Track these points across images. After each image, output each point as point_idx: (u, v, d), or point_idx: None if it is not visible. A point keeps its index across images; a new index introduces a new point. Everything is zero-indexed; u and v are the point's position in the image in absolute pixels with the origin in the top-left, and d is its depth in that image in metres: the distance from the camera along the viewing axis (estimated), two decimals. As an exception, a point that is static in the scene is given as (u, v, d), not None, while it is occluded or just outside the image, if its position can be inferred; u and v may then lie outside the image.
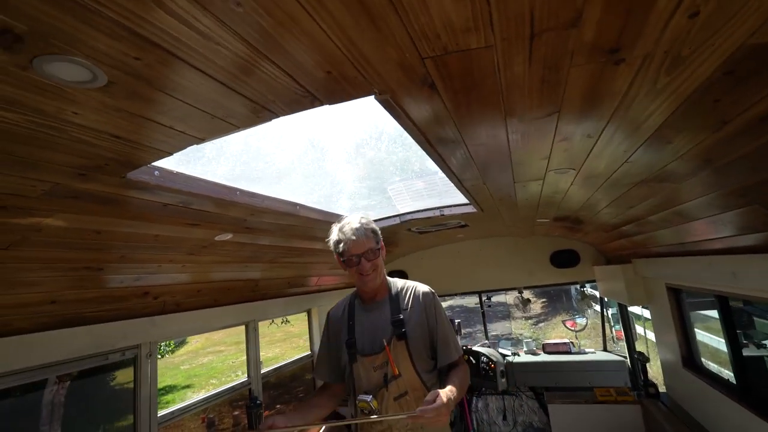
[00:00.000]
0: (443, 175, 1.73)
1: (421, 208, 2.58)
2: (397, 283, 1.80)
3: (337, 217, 2.37)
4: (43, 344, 1.70)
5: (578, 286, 4.64)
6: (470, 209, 2.49)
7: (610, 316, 5.11)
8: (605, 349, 4.35)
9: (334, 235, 1.72)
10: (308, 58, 0.63)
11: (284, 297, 3.33)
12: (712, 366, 3.54)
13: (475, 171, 1.42)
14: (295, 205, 1.86)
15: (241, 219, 1.72)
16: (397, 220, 2.70)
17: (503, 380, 4.16)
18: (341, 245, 1.67)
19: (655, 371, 5.45)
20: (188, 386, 10.38)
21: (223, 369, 12.13)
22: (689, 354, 2.48)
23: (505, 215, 2.65)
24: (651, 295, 2.92)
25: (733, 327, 2.00)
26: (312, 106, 0.81)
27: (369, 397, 1.56)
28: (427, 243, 4.27)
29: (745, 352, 2.07)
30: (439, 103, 0.84)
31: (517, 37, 0.59)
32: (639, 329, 7.39)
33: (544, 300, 15.24)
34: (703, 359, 2.49)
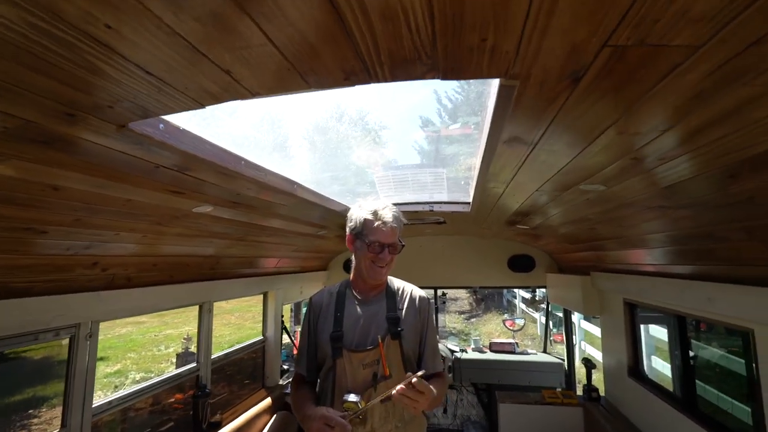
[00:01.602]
0: (427, 169, 1.64)
1: (411, 201, 2.47)
2: (395, 281, 1.72)
3: (328, 201, 2.19)
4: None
5: (526, 290, 4.87)
6: (462, 208, 2.44)
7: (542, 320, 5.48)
8: (545, 351, 4.64)
9: (364, 213, 1.56)
10: (481, 8, 0.48)
11: (242, 278, 3.06)
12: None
13: (510, 175, 1.34)
14: (293, 183, 1.65)
15: (234, 192, 1.48)
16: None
17: (450, 375, 4.26)
18: (374, 225, 1.52)
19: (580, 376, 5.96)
20: (101, 358, 9.40)
21: (144, 342, 11.17)
22: (635, 364, 2.69)
23: (490, 219, 2.64)
24: (604, 306, 3.12)
25: (687, 343, 2.18)
26: (423, 76, 0.65)
27: (358, 398, 1.44)
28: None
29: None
30: (559, 101, 0.73)
31: (737, 41, 0.50)
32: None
33: (475, 297, 16.02)
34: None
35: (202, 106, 0.75)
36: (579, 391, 3.43)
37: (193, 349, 8.89)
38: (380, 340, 1.50)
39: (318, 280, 4.56)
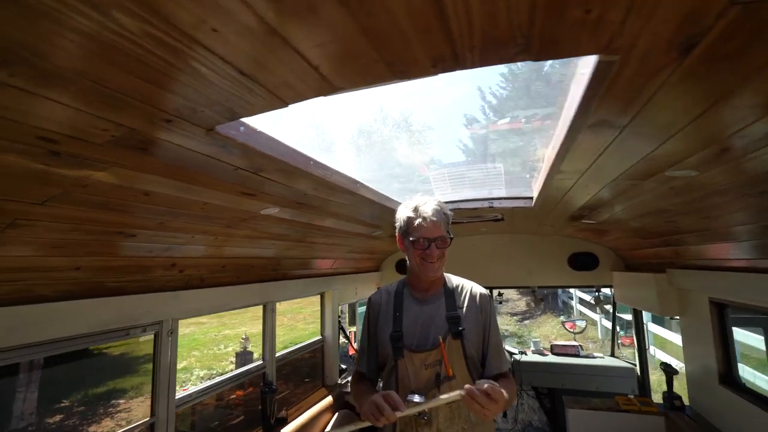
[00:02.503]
0: (490, 165, 1.57)
1: (469, 198, 2.41)
2: (452, 278, 1.68)
3: (387, 200, 2.20)
4: (63, 315, 1.50)
5: (583, 290, 4.58)
6: (523, 204, 2.34)
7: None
8: (613, 355, 4.33)
9: (406, 211, 1.57)
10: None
11: (301, 278, 3.15)
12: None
13: (586, 164, 1.26)
14: (356, 182, 1.67)
15: (301, 193, 1.52)
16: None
17: (510, 377, 4.10)
18: (416, 223, 1.51)
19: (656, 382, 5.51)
20: (171, 357, 10.09)
21: (205, 341, 11.93)
22: (728, 370, 2.42)
23: (554, 214, 2.51)
24: (685, 306, 2.85)
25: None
26: (514, 58, 0.62)
27: (422, 398, 1.41)
28: None
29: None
30: (660, 77, 0.66)
31: None
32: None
33: (528, 297, 15.40)
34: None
35: (286, 104, 0.77)
36: (654, 399, 3.16)
37: (250, 348, 9.35)
38: (441, 340, 1.47)
39: (371, 281, 4.60)
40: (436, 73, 0.67)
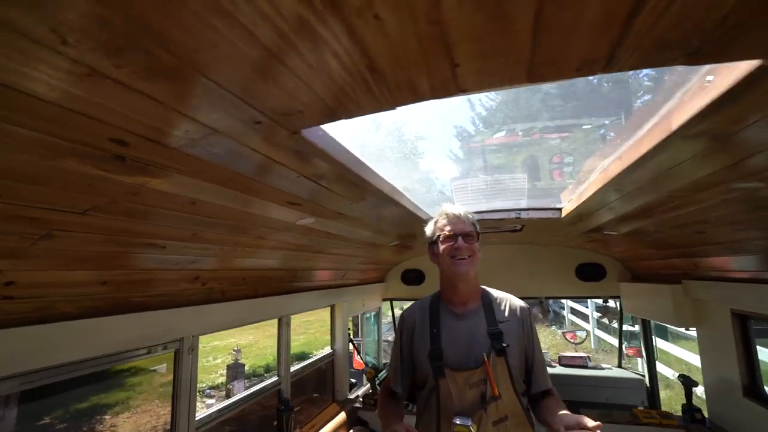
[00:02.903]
0: (514, 174, 1.53)
1: (496, 209, 2.37)
2: (491, 291, 1.60)
3: (419, 210, 2.14)
4: (85, 334, 1.37)
5: (601, 300, 4.59)
6: (551, 215, 2.30)
7: (591, 332, 5.11)
8: (620, 366, 4.33)
9: (433, 220, 1.54)
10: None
11: (314, 291, 3.04)
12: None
13: (655, 175, 1.22)
14: (395, 190, 1.60)
15: (347, 202, 1.45)
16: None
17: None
18: (441, 222, 1.48)
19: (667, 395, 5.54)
20: (154, 370, 9.74)
21: (200, 351, 11.55)
22: (752, 382, 2.41)
23: (579, 226, 2.49)
24: (701, 317, 2.85)
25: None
26: (669, 63, 0.57)
27: (469, 421, 1.32)
28: None
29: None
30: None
31: None
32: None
33: (541, 308, 15.45)
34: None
35: (395, 106, 0.70)
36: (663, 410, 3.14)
37: (241, 360, 9.06)
38: (486, 358, 1.38)
39: (377, 292, 4.51)
40: (577, 76, 0.61)
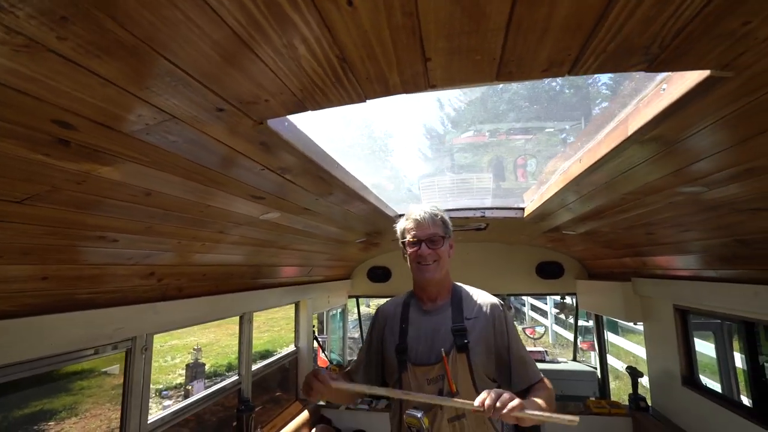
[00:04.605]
0: (480, 174, 1.58)
1: (462, 207, 2.40)
2: (463, 288, 1.60)
3: (387, 207, 2.13)
4: (26, 333, 1.26)
5: (537, 297, 4.79)
6: (514, 214, 2.37)
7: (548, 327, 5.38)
8: (575, 359, 4.55)
9: (401, 221, 1.52)
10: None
11: (278, 287, 2.97)
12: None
13: (610, 177, 1.28)
14: (365, 188, 1.59)
15: (313, 197, 1.42)
16: (433, 216, 2.50)
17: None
18: (406, 226, 1.47)
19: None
20: (105, 372, 9.24)
21: (157, 351, 11.04)
22: (690, 373, 2.61)
23: (540, 225, 2.58)
24: (648, 312, 3.05)
25: (755, 350, 2.12)
26: (627, 69, 0.59)
27: (420, 413, 1.34)
28: None
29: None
30: (751, 96, 0.67)
31: None
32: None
33: (502, 305, 15.88)
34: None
35: (365, 99, 0.68)
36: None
37: (202, 359, 8.73)
38: (444, 354, 1.38)
39: (342, 289, 4.47)
40: (544, 77, 0.62)
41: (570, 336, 8.21)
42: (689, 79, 0.67)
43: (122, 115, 0.65)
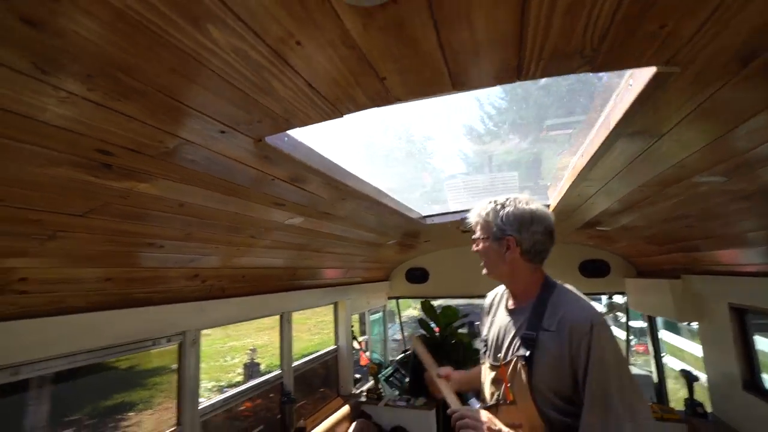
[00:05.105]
0: (493, 175, 1.56)
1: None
2: (557, 293, 1.33)
3: (408, 210, 2.21)
4: (95, 326, 1.50)
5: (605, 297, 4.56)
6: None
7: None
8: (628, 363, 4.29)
9: None
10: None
11: (316, 288, 3.15)
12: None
13: (614, 172, 1.27)
14: (379, 191, 1.68)
15: (329, 203, 1.54)
16: (457, 217, 2.54)
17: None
18: None
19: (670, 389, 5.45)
20: (174, 369, 10.09)
21: (211, 353, 11.89)
22: (752, 376, 2.40)
23: (570, 221, 2.52)
24: (703, 312, 2.84)
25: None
26: (572, 71, 0.64)
27: (477, 405, 1.32)
28: (454, 242, 4.13)
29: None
30: (711, 87, 0.68)
31: None
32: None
33: None
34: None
35: (341, 115, 0.78)
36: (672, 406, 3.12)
37: (257, 359, 9.27)
38: (502, 363, 1.31)
39: (381, 291, 4.59)
40: (496, 84, 0.68)
41: (635, 339, 7.69)
42: (646, 74, 0.69)
43: (146, 142, 0.80)
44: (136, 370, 8.25)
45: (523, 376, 1.24)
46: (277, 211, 1.55)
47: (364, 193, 1.52)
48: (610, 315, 4.47)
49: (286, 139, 0.98)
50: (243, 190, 1.22)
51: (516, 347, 1.30)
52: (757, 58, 0.59)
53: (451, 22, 0.52)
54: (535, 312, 1.29)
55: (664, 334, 7.33)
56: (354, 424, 2.98)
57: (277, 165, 1.05)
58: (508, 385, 1.28)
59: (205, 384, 9.03)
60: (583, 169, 1.29)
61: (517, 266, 1.32)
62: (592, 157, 1.16)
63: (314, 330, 14.13)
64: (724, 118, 0.83)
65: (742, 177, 1.25)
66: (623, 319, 4.60)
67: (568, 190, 1.65)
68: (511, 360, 1.29)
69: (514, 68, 0.65)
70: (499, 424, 1.18)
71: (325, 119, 0.79)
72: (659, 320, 6.35)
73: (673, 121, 0.84)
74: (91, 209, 1.10)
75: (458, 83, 0.69)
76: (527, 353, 1.24)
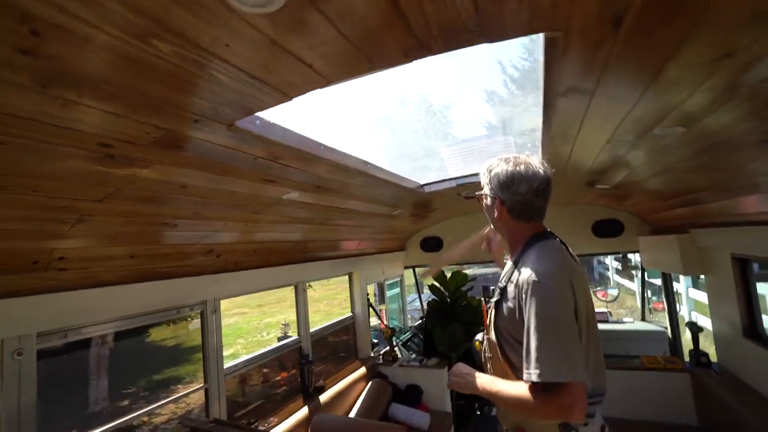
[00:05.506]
0: (495, 138, 1.62)
1: (476, 172, 2.49)
2: (531, 252, 1.37)
3: (400, 179, 2.33)
4: (125, 297, 1.75)
5: (614, 257, 4.54)
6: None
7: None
8: (643, 319, 4.32)
9: None
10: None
11: (329, 260, 3.36)
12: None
13: (575, 128, 1.34)
14: (366, 163, 1.81)
15: (316, 176, 1.68)
16: (453, 184, 2.64)
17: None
18: None
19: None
20: (218, 344, 10.83)
21: (249, 330, 12.66)
22: (752, 324, 2.43)
23: (565, 181, 2.56)
24: (708, 265, 2.84)
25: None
26: (471, 42, 0.74)
27: (479, 337, 1.57)
28: (464, 209, 4.22)
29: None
30: (607, 45, 0.76)
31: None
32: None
33: None
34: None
35: (289, 98, 0.91)
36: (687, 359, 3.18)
37: (290, 333, 9.81)
38: (484, 301, 1.54)
39: (397, 260, 4.77)
40: (408, 62, 0.79)
41: (654, 297, 7.60)
42: (541, 39, 0.78)
43: (136, 134, 0.97)
44: (182, 347, 8.96)
45: (494, 317, 1.41)
46: (271, 187, 1.72)
47: (347, 165, 1.66)
48: (623, 275, 4.46)
49: (257, 122, 1.13)
50: (233, 169, 1.39)
51: (497, 293, 1.46)
52: (622, 20, 0.67)
53: (344, 17, 0.64)
54: (515, 264, 1.39)
55: (694, 293, 7.19)
56: (370, 384, 3.23)
57: (253, 146, 1.20)
58: (487, 323, 1.46)
59: (245, 358, 9.71)
60: (543, 130, 1.37)
61: (507, 223, 1.41)
62: (544, 119, 1.24)
63: (345, 304, 14.73)
64: (637, 74, 0.90)
65: (700, 125, 1.29)
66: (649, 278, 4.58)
67: (543, 151, 1.72)
68: (488, 301, 1.47)
69: (417, 46, 0.75)
70: (468, 369, 1.43)
71: (277, 103, 0.93)
72: (687, 279, 6.23)
73: (592, 80, 0.92)
74: (106, 194, 1.30)
75: (376, 64, 0.80)
76: (495, 299, 1.42)
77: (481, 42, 0.76)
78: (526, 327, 1.20)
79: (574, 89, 1.00)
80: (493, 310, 1.42)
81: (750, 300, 2.44)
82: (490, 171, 1.42)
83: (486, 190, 1.43)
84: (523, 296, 1.24)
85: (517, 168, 1.33)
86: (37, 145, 0.93)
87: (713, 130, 1.34)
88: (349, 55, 0.76)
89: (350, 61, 0.78)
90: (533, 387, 1.15)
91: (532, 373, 1.14)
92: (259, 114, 1.10)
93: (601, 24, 0.69)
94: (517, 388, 1.22)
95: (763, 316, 2.48)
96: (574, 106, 1.13)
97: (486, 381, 1.34)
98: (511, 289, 1.34)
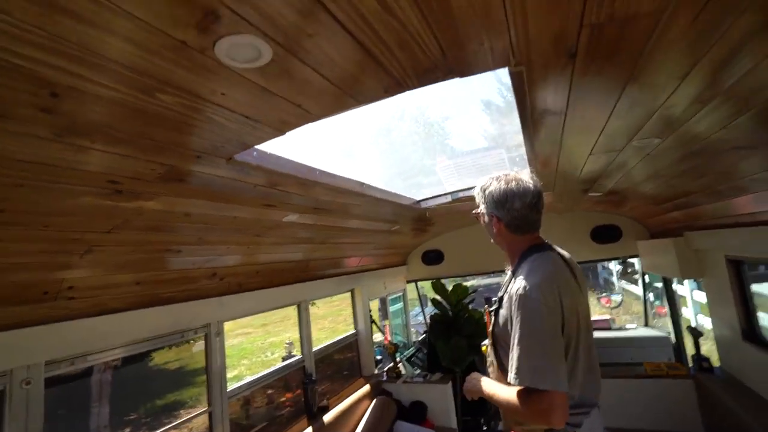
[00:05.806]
0: (488, 152, 1.70)
1: (471, 186, 2.57)
2: (525, 264, 1.45)
3: (396, 197, 2.40)
4: (131, 323, 1.81)
5: (617, 262, 4.57)
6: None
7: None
8: (647, 325, 4.32)
9: None
10: (470, 23, 0.64)
11: (331, 277, 3.40)
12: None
13: (557, 144, 1.41)
14: (362, 184, 1.89)
15: (314, 199, 1.76)
16: (448, 198, 2.70)
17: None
18: None
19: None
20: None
21: (253, 350, 12.59)
22: (750, 326, 2.45)
23: (557, 190, 2.63)
24: (704, 268, 2.87)
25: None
26: (443, 78, 0.82)
27: (486, 342, 1.60)
28: (462, 222, 4.27)
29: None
30: (567, 74, 0.83)
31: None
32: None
33: None
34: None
35: (282, 132, 0.99)
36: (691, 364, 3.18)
37: (295, 352, 9.77)
38: (486, 309, 1.60)
39: (399, 275, 4.80)
40: (388, 96, 0.87)
41: (658, 301, 7.57)
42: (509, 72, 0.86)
43: (142, 171, 1.04)
44: (185, 370, 8.92)
45: (491, 325, 1.50)
46: (271, 211, 1.79)
47: (343, 187, 1.73)
48: (625, 280, 4.48)
49: (255, 153, 1.21)
50: (234, 197, 1.46)
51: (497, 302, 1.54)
52: (576, 54, 0.75)
53: (324, 65, 0.72)
54: (512, 274, 1.47)
55: (699, 295, 7.16)
56: (374, 401, 3.24)
57: (252, 175, 1.28)
58: (489, 329, 1.53)
59: (249, 379, 9.63)
60: (525, 146, 1.45)
61: (505, 237, 1.48)
62: (525, 136, 1.31)
63: (349, 320, 14.64)
64: (602, 95, 0.97)
65: (672, 136, 1.36)
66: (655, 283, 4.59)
67: (530, 164, 1.79)
68: (488, 309, 1.55)
69: (396, 84, 0.83)
70: (477, 374, 1.52)
71: (270, 138, 1.01)
72: (691, 282, 6.22)
73: (562, 103, 0.99)
74: (114, 226, 1.38)
75: (359, 99, 0.88)
76: (494, 308, 1.51)
77: (453, 77, 0.83)
78: (512, 336, 1.30)
79: (547, 111, 1.07)
80: (493, 318, 1.50)
81: (746, 302, 2.47)
82: (485, 191, 1.49)
83: (482, 209, 1.51)
84: (513, 307, 1.32)
85: (509, 186, 1.40)
86: (51, 186, 1.00)
87: (691, 138, 1.40)
88: (334, 95, 0.84)
89: (336, 99, 0.86)
90: (519, 391, 1.25)
91: (512, 378, 1.24)
92: (257, 146, 1.18)
93: (559, 56, 0.77)
94: (509, 392, 1.32)
95: (764, 316, 2.50)
96: (551, 125, 1.20)
97: (487, 384, 1.44)
98: (506, 298, 1.41)
